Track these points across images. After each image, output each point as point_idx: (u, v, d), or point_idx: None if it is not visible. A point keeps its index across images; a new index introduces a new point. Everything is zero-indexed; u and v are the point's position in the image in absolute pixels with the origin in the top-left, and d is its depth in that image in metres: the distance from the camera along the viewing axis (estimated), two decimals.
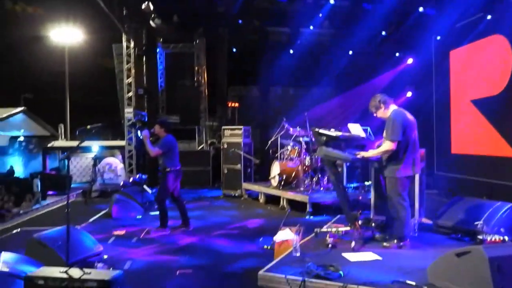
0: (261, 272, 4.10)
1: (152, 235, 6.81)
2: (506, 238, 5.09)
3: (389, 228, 5.31)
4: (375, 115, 5.27)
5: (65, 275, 3.58)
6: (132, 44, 13.28)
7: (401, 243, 4.98)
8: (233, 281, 4.84)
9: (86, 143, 13.17)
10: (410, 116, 5.15)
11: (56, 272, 3.67)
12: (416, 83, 12.78)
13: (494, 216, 5.49)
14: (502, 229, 5.37)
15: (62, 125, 16.02)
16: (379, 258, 4.65)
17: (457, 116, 10.39)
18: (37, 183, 9.35)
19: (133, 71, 13.30)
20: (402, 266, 4.30)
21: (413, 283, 3.74)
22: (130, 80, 13.44)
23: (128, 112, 13.10)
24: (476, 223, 5.47)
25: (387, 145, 4.95)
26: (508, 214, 5.52)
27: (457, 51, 10.41)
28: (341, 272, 4.00)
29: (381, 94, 5.24)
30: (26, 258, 4.26)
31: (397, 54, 13.18)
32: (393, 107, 5.18)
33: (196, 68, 15.15)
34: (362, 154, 5.18)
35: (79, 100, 18.34)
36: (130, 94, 13.39)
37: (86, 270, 3.68)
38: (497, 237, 5.07)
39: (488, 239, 5.06)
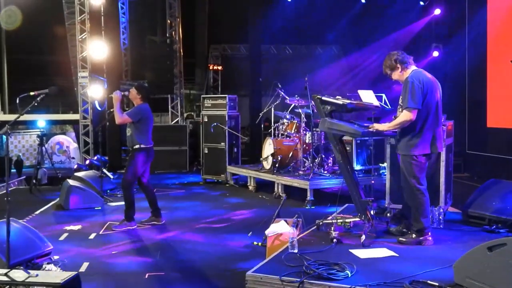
0: (249, 272, 4.17)
1: (115, 230, 6.87)
2: None
3: (407, 219, 5.40)
4: (390, 78, 5.32)
5: (5, 278, 3.63)
6: None
7: (421, 238, 5.07)
8: (216, 285, 4.92)
9: (29, 117, 13.09)
10: (430, 77, 5.20)
11: None
12: (445, 40, 12.79)
13: None
14: None
15: None
16: (395, 254, 4.75)
17: (495, 80, 10.44)
18: None
19: (88, 24, 13.13)
20: (422, 264, 4.40)
21: (436, 284, 3.84)
22: (84, 35, 13.28)
23: (83, 77, 12.99)
24: None
25: (404, 115, 5.00)
26: None
27: None
28: (348, 272, 4.09)
29: (399, 51, 5.27)
30: None
31: (421, 3, 13.15)
32: (412, 68, 5.22)
33: (169, 21, 15.00)
34: (376, 127, 5.23)
35: (20, 61, 18.07)
36: (85, 54, 13.26)
37: (32, 272, 3.72)
38: None
39: None
